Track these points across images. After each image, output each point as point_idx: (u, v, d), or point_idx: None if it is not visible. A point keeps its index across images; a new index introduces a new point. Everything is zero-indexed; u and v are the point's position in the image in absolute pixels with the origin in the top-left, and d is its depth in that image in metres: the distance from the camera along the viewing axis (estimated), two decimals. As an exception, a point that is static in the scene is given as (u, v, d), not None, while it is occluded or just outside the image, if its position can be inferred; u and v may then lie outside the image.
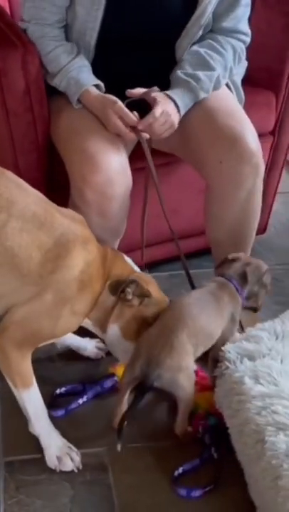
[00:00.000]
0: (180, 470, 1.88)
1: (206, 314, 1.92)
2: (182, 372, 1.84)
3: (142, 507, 1.82)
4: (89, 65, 2.08)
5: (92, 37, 2.07)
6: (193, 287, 2.20)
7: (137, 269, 2.01)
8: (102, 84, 2.06)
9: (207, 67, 2.06)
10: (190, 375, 1.87)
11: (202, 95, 2.06)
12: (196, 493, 1.84)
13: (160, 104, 1.97)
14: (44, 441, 1.92)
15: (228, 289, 1.99)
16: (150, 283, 1.98)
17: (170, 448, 1.94)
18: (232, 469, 1.86)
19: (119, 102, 1.98)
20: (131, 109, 1.99)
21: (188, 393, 1.87)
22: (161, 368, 1.82)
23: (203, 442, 1.94)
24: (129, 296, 1.91)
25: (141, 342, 1.89)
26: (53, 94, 2.10)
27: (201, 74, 2.05)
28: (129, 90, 2.01)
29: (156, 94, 2.00)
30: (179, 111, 2.02)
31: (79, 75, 2.03)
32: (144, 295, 1.93)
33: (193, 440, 1.95)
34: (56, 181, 2.20)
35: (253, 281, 2.05)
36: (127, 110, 1.97)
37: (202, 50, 2.08)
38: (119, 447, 1.82)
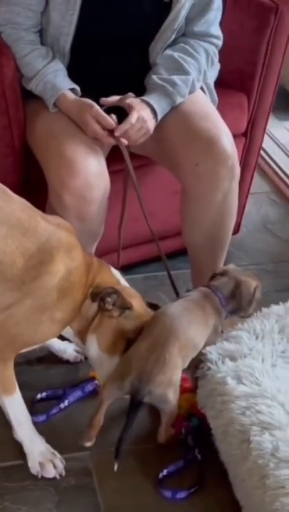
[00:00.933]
0: (164, 472, 1.88)
1: (193, 325, 1.91)
2: (172, 388, 1.84)
3: (127, 510, 1.83)
4: (64, 68, 2.07)
5: (66, 41, 2.07)
6: (174, 288, 2.21)
7: (123, 281, 2.00)
8: (78, 88, 2.05)
9: (182, 71, 2.07)
10: (178, 389, 1.87)
11: (178, 100, 2.07)
12: (181, 494, 1.84)
13: (136, 110, 1.97)
14: (27, 448, 1.91)
15: (211, 300, 1.98)
16: (134, 297, 1.96)
17: (153, 450, 1.94)
18: (216, 470, 1.88)
19: (96, 106, 1.98)
20: (108, 113, 1.99)
21: (174, 406, 1.87)
22: (153, 384, 1.81)
23: (186, 444, 1.95)
24: (109, 306, 1.89)
25: (130, 356, 1.86)
26: (28, 97, 2.09)
27: (176, 78, 2.05)
28: (103, 99, 2.00)
29: (132, 100, 2.00)
30: (155, 116, 2.03)
31: (55, 78, 2.03)
32: (124, 307, 1.91)
33: (177, 442, 1.95)
34: (32, 185, 2.19)
35: (243, 301, 2.03)
36: (104, 114, 1.97)
37: (176, 54, 2.09)
38: (116, 467, 1.82)
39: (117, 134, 1.98)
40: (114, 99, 2.01)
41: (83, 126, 2.00)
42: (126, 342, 1.92)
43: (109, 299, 1.88)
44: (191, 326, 1.90)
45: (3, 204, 1.78)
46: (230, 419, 1.79)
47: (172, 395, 1.84)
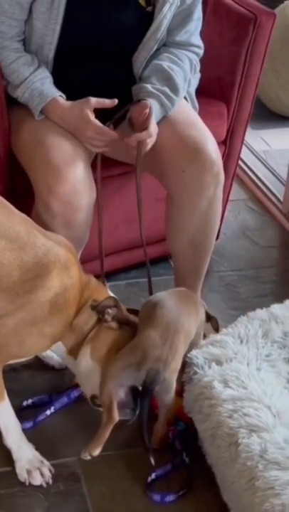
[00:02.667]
0: (153, 476, 1.90)
1: (190, 316, 1.95)
2: (176, 375, 1.86)
3: (117, 515, 1.84)
4: (50, 76, 2.09)
5: (50, 50, 2.08)
6: (151, 294, 2.23)
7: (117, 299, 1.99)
8: (64, 96, 2.07)
9: (172, 80, 2.10)
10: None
11: (170, 113, 2.09)
12: (170, 498, 1.86)
13: (153, 120, 1.99)
14: (15, 455, 1.91)
15: (195, 295, 2.01)
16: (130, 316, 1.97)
17: (142, 455, 1.93)
18: (203, 473, 1.90)
19: (92, 99, 2.00)
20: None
21: (173, 397, 1.88)
22: (168, 371, 1.81)
23: (173, 447, 1.97)
24: (108, 318, 1.90)
25: (143, 345, 1.83)
26: (13, 105, 2.10)
27: (168, 91, 2.08)
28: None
29: (149, 108, 2.00)
30: None
31: (42, 86, 2.04)
32: (124, 321, 1.92)
33: (164, 446, 1.96)
34: (17, 193, 2.20)
35: None
36: (105, 129, 2.00)
37: (165, 64, 2.11)
38: (152, 461, 1.84)
39: (134, 139, 1.99)
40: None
41: (84, 124, 2.00)
42: (115, 354, 1.90)
43: (109, 311, 1.89)
44: (190, 316, 1.94)
45: (4, 218, 1.81)
46: (218, 422, 1.81)
47: (174, 384, 1.85)
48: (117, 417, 1.83)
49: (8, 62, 2.04)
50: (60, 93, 2.06)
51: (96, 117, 2.01)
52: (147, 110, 1.99)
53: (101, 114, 2.02)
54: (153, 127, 2.00)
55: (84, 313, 1.90)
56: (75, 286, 1.87)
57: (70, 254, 1.90)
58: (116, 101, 2.00)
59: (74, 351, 1.93)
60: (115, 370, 1.83)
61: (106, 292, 1.99)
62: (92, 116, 1.99)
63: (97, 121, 2.00)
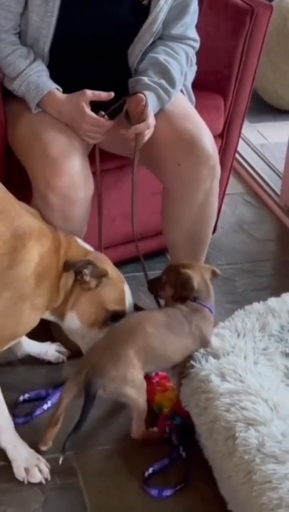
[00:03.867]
0: (150, 470, 1.89)
1: (164, 337, 1.91)
2: (128, 384, 1.86)
3: (113, 509, 1.83)
4: (46, 69, 2.08)
5: (45, 43, 2.07)
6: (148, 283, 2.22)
7: (90, 249, 2.01)
8: (60, 89, 2.06)
9: (169, 73, 2.09)
10: (137, 386, 1.89)
11: (166, 106, 2.09)
12: (167, 492, 1.85)
13: (151, 113, 1.99)
14: (10, 454, 1.89)
15: (201, 312, 1.97)
16: (106, 262, 1.99)
17: (138, 449, 1.95)
18: (200, 467, 1.89)
19: (87, 91, 1.99)
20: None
21: (139, 403, 1.89)
22: (106, 378, 1.84)
23: (170, 442, 1.96)
24: (87, 278, 1.90)
25: (90, 350, 1.92)
26: (9, 99, 2.09)
27: (165, 83, 2.07)
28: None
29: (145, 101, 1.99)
30: None
31: (39, 79, 2.03)
32: (101, 275, 1.92)
33: (161, 440, 1.96)
34: (14, 187, 2.18)
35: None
36: (98, 92, 1.99)
37: (161, 58, 2.10)
38: (61, 460, 1.85)
39: (132, 131, 1.98)
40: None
41: (80, 117, 1.99)
42: (106, 312, 1.94)
43: (86, 271, 1.89)
44: (159, 336, 1.91)
45: None
46: (215, 416, 1.81)
47: (130, 391, 1.87)
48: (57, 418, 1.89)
49: (5, 55, 2.03)
50: (56, 86, 2.05)
51: (92, 110, 2.00)
52: (144, 103, 1.98)
53: (97, 107, 2.01)
54: (151, 119, 1.99)
55: (62, 275, 1.89)
56: (49, 250, 1.86)
57: (39, 221, 1.90)
58: (112, 94, 1.99)
59: (58, 311, 1.94)
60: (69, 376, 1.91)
61: (76, 243, 1.97)
62: (87, 109, 1.99)
63: (92, 114, 1.99)
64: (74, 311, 1.93)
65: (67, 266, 1.88)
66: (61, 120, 2.03)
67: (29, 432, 1.96)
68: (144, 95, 1.99)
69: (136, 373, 1.88)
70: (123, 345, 1.87)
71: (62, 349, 2.20)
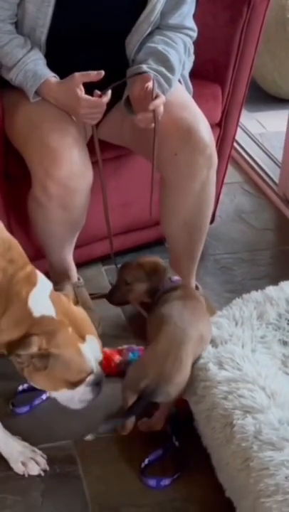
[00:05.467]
0: (146, 461, 1.90)
1: (201, 321, 1.94)
2: (183, 386, 1.87)
3: (112, 497, 1.84)
4: (44, 58, 2.07)
5: (42, 33, 2.07)
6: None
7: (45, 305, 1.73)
8: (57, 77, 2.05)
9: (168, 62, 2.08)
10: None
11: (166, 93, 2.07)
12: (166, 482, 1.86)
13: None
14: (4, 452, 1.89)
15: (194, 290, 2.01)
16: (57, 331, 1.69)
17: (136, 438, 1.95)
18: (198, 454, 1.90)
19: (76, 74, 1.98)
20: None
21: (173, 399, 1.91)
22: (172, 385, 1.83)
23: (164, 432, 1.97)
24: (25, 365, 1.68)
25: (146, 360, 1.87)
26: (6, 89, 2.09)
27: (165, 71, 2.06)
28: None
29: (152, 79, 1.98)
30: None
31: (36, 67, 2.02)
32: (46, 356, 1.68)
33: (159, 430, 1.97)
34: (12, 178, 2.19)
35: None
36: (97, 101, 1.98)
37: (160, 47, 2.10)
38: (90, 437, 1.85)
39: (151, 107, 1.95)
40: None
41: (75, 102, 1.98)
42: (70, 384, 1.75)
43: (24, 357, 1.66)
44: (199, 322, 1.93)
45: None
46: (213, 403, 1.82)
47: (180, 392, 1.88)
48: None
49: (1, 45, 2.03)
50: (53, 74, 2.04)
51: (88, 91, 1.98)
52: (150, 82, 1.95)
53: (95, 87, 2.00)
54: (163, 96, 1.97)
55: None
56: None
57: None
58: (102, 72, 1.96)
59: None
60: (126, 380, 1.88)
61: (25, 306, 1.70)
62: (80, 93, 1.96)
63: (86, 96, 1.97)
64: (32, 382, 1.76)
65: (9, 350, 1.66)
66: (60, 107, 2.03)
67: (28, 421, 1.98)
68: (151, 74, 1.97)
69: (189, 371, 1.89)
70: (182, 346, 1.86)
71: None
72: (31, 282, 1.70)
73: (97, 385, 1.78)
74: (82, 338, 1.73)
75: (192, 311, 1.95)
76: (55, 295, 1.74)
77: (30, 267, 1.73)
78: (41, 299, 1.70)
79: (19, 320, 1.67)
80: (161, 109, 1.98)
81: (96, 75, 1.96)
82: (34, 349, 1.64)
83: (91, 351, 1.75)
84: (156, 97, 1.95)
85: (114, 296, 2.10)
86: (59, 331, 1.69)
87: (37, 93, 2.04)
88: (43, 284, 1.73)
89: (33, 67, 2.02)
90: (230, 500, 1.77)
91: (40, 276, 1.74)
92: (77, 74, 1.97)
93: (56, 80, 2.04)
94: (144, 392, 1.82)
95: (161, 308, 1.96)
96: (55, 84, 2.03)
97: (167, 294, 1.99)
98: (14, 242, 1.76)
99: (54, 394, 1.79)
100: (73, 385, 1.74)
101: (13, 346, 1.65)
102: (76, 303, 1.81)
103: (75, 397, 1.78)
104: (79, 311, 1.79)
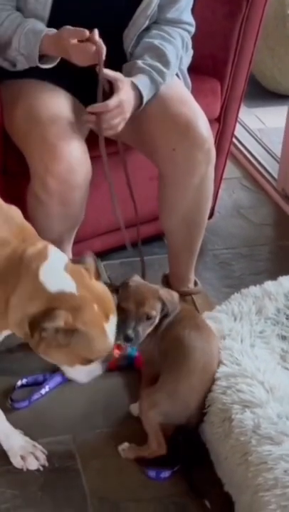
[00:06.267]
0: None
1: (215, 342, 1.94)
2: None
3: (112, 491, 1.84)
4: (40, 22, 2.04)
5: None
6: (143, 273, 2.22)
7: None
8: (53, 30, 1.99)
9: (164, 56, 2.08)
10: None
11: (160, 87, 2.07)
12: (165, 474, 1.86)
13: (119, 94, 1.95)
14: (4, 444, 1.89)
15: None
16: (82, 305, 1.63)
17: (135, 432, 1.95)
18: (197, 449, 1.90)
19: (67, 26, 1.95)
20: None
21: None
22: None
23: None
24: (50, 338, 1.62)
25: (184, 391, 1.84)
26: (4, 83, 2.09)
27: (160, 65, 2.06)
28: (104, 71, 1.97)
29: (122, 79, 1.97)
30: (140, 101, 2.02)
31: (35, 26, 1.99)
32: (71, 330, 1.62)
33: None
34: (10, 174, 2.19)
35: None
36: (80, 29, 1.94)
37: (156, 42, 2.09)
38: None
39: (89, 109, 1.95)
40: (110, 73, 1.98)
41: (64, 37, 1.94)
42: (88, 361, 1.70)
43: (48, 329, 1.59)
44: (215, 343, 1.93)
45: None
46: (212, 398, 1.83)
47: None
48: (164, 450, 1.86)
49: (1, 21, 2.00)
50: (49, 29, 2.00)
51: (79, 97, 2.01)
52: (118, 79, 1.96)
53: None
54: (113, 102, 1.95)
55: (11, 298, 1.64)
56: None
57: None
58: (87, 32, 1.93)
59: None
60: (156, 412, 1.84)
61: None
62: (73, 41, 1.92)
63: (79, 44, 1.93)
64: (47, 357, 1.70)
65: (31, 323, 1.59)
66: (63, 56, 1.99)
67: (27, 416, 1.98)
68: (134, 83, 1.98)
69: None
70: (212, 370, 1.87)
71: None
72: (42, 256, 1.65)
73: (106, 361, 1.76)
74: (107, 318, 1.67)
75: (204, 329, 1.93)
76: (74, 268, 1.68)
77: (42, 243, 1.70)
78: (54, 272, 1.64)
79: (32, 295, 1.62)
80: (107, 120, 1.96)
81: (83, 33, 1.93)
82: (60, 323, 1.58)
83: (112, 331, 1.70)
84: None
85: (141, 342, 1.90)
86: (85, 307, 1.63)
87: (43, 58, 2.00)
88: (56, 258, 1.68)
89: (32, 26, 1.99)
90: (229, 495, 1.77)
91: (53, 250, 1.69)
92: (65, 30, 1.94)
93: (51, 33, 1.99)
94: (188, 425, 1.85)
95: (172, 332, 1.89)
96: (51, 37, 1.97)
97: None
98: (27, 224, 1.76)
99: (65, 368, 1.75)
100: (89, 361, 1.70)
101: (35, 321, 1.59)
102: (98, 277, 1.74)
103: (83, 372, 1.74)
104: (102, 288, 1.72)
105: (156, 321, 1.86)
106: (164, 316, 1.87)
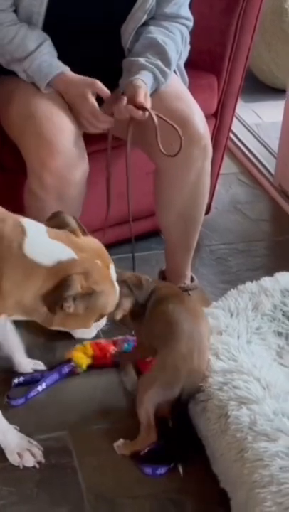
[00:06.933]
0: (146, 449, 1.89)
1: (203, 317, 1.96)
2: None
3: (108, 488, 1.84)
4: (55, 50, 2.07)
5: (38, 21, 2.05)
6: (134, 267, 2.24)
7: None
8: (69, 69, 2.05)
9: (166, 54, 2.07)
10: None
11: (161, 87, 2.08)
12: (161, 470, 1.87)
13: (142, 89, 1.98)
14: (2, 441, 1.89)
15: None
16: (93, 265, 1.63)
17: (132, 428, 1.95)
18: (193, 445, 1.90)
19: (91, 102, 1.99)
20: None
21: None
22: (201, 377, 1.86)
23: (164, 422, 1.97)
24: (71, 308, 1.61)
25: (171, 359, 1.85)
26: (0, 78, 2.08)
27: (162, 64, 2.05)
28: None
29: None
30: None
31: (51, 59, 2.02)
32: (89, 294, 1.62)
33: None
34: (7, 170, 2.19)
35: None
36: (99, 114, 2.00)
37: (159, 38, 2.09)
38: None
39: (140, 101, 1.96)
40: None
41: (81, 102, 1.99)
42: (100, 317, 1.72)
43: (69, 301, 1.59)
44: (203, 318, 1.94)
45: None
46: (208, 394, 1.83)
47: None
48: (154, 437, 1.87)
49: (10, 39, 2.01)
50: (67, 68, 2.04)
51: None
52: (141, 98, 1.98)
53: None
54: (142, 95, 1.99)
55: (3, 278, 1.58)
56: None
57: None
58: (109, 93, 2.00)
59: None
60: (152, 392, 1.85)
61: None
62: (91, 97, 1.98)
63: (94, 103, 1.99)
64: (63, 327, 1.70)
65: (49, 300, 1.57)
66: (67, 101, 2.04)
67: (23, 413, 1.97)
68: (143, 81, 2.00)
69: None
70: (203, 338, 1.88)
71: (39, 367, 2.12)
72: (20, 232, 1.59)
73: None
74: (108, 268, 1.67)
75: (189, 304, 1.96)
76: (58, 234, 1.64)
77: (12, 218, 1.62)
78: (42, 245, 1.60)
79: (26, 275, 1.57)
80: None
81: (107, 92, 2.00)
82: (78, 288, 1.56)
83: (116, 279, 1.71)
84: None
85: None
86: (91, 267, 1.62)
87: (49, 85, 2.03)
88: (34, 230, 1.62)
89: (49, 58, 2.02)
90: (225, 491, 1.77)
91: (27, 223, 1.62)
92: (98, 82, 1.99)
93: (72, 74, 2.04)
94: (180, 396, 1.84)
95: (157, 310, 1.93)
96: (71, 78, 2.03)
97: (153, 296, 1.96)
98: None
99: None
100: (102, 317, 1.71)
101: (53, 296, 1.56)
102: (84, 232, 1.71)
103: (93, 328, 1.76)
104: (93, 241, 1.71)
105: (126, 304, 1.91)
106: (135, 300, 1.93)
